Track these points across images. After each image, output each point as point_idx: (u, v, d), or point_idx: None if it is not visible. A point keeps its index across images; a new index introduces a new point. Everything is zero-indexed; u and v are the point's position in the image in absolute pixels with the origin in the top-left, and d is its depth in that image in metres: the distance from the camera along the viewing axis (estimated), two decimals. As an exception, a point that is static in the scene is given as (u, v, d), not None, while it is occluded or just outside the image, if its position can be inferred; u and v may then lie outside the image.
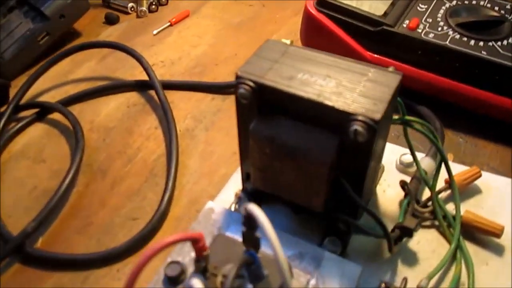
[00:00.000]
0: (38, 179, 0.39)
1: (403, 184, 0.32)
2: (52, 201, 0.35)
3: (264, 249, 0.23)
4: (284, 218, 0.31)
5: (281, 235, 0.21)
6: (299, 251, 0.26)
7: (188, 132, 0.42)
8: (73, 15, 0.53)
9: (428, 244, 0.30)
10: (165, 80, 0.47)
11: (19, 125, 0.43)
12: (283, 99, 0.25)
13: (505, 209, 0.32)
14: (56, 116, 0.44)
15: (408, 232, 0.28)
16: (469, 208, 0.31)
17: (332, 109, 0.24)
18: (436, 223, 0.31)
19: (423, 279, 0.27)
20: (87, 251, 0.33)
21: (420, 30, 0.40)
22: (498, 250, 0.30)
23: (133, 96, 0.47)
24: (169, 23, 0.56)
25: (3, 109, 0.44)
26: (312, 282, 0.25)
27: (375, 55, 0.41)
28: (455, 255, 0.29)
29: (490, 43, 0.39)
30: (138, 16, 0.59)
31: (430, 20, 0.41)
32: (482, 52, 0.38)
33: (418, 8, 0.42)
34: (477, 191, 0.33)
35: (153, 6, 0.59)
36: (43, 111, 0.45)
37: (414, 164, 0.34)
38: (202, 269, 0.23)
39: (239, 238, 0.26)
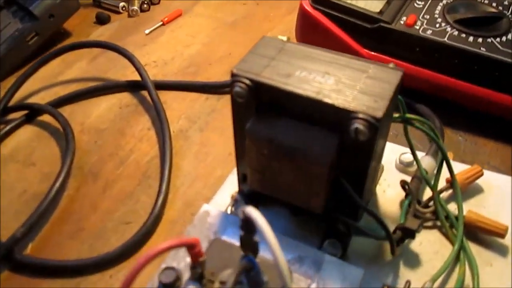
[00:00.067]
0: (27, 182, 0.38)
1: (403, 184, 0.31)
2: (42, 205, 0.34)
3: (263, 253, 0.22)
4: (282, 220, 0.30)
5: (279, 238, 0.20)
6: (298, 254, 0.26)
7: (182, 133, 0.41)
8: (62, 15, 0.52)
9: (430, 246, 0.29)
10: (157, 80, 0.46)
11: (8, 127, 0.42)
12: (280, 97, 0.24)
13: (507, 208, 0.31)
14: (46, 118, 0.43)
15: (410, 234, 0.27)
16: (471, 208, 0.31)
17: (331, 107, 0.23)
18: (438, 223, 0.30)
19: (427, 281, 0.26)
20: (79, 256, 0.32)
21: (417, 27, 0.39)
22: (502, 251, 0.29)
23: (125, 97, 0.46)
24: (161, 23, 0.55)
25: (-9, 111, 0.43)
26: (313, 286, 0.24)
27: (372, 53, 0.40)
28: (459, 256, 0.28)
29: (489, 40, 0.38)
30: (129, 16, 0.58)
31: (428, 17, 0.40)
32: (481, 48, 0.37)
33: (415, 4, 0.41)
34: (478, 190, 0.33)
35: (145, 5, 0.58)
36: (32, 113, 0.44)
37: (414, 163, 0.33)
38: (198, 276, 0.22)
39: (236, 242, 0.25)
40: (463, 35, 0.38)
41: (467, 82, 0.38)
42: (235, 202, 0.31)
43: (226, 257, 0.23)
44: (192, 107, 0.44)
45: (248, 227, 0.20)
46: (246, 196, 0.31)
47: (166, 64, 0.49)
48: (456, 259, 0.28)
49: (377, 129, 0.22)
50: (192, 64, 0.49)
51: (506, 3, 0.41)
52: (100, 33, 0.55)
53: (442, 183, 0.31)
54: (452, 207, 0.31)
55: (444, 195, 0.32)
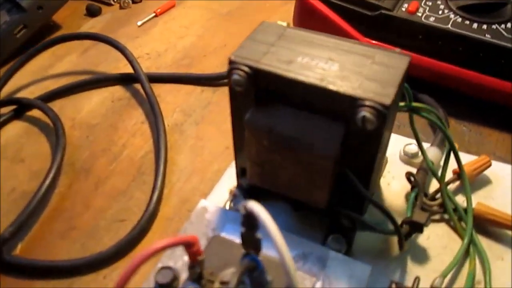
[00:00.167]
0: (16, 180, 0.36)
1: (409, 176, 0.30)
2: (32, 203, 0.32)
3: (265, 251, 0.21)
4: (283, 215, 0.28)
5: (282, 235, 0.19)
6: (302, 251, 0.24)
7: (177, 126, 0.40)
8: (51, 7, 0.50)
9: (438, 240, 0.28)
10: (151, 73, 0.44)
11: (-4, 123, 0.41)
12: (281, 85, 0.23)
13: (517, 199, 0.30)
14: (35, 113, 0.42)
15: (418, 227, 0.26)
16: (480, 200, 0.30)
17: (336, 94, 0.21)
18: (446, 216, 0.29)
19: (437, 278, 0.25)
20: (71, 256, 0.31)
21: (420, 14, 0.38)
22: (513, 244, 0.28)
23: (117, 90, 0.44)
24: (154, 14, 0.54)
25: (-23, 106, 0.41)
26: (318, 284, 0.23)
27: (373, 41, 0.39)
28: (468, 251, 0.27)
29: (494, 26, 0.37)
30: (121, 7, 0.56)
31: (430, 3, 0.39)
32: (486, 35, 0.36)
33: (417, -9, 0.40)
34: (486, 181, 0.31)
35: (137, -3, 0.56)
36: (21, 108, 0.42)
37: (419, 154, 0.32)
38: (196, 276, 0.21)
39: (236, 239, 0.24)
40: (467, 22, 0.37)
41: (471, 70, 0.37)
42: (234, 197, 0.30)
43: (226, 256, 0.22)
44: (187, 100, 0.42)
45: (250, 223, 0.19)
46: (245, 190, 0.29)
47: (160, 56, 0.48)
48: (465, 253, 0.27)
49: (386, 117, 0.21)
50: (187, 56, 0.48)
51: (510, -12, 0.40)
52: (91, 25, 0.54)
53: (448, 175, 0.30)
54: (460, 200, 0.30)
55: (450, 187, 0.31)
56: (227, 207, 0.30)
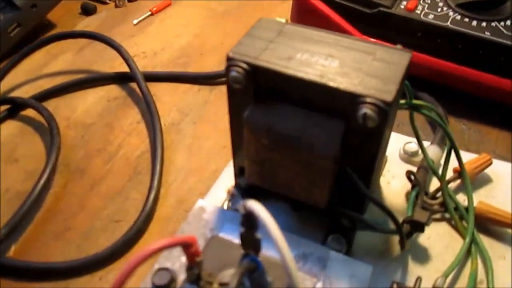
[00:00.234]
0: (10, 180, 0.36)
1: (409, 174, 0.29)
2: (26, 204, 0.32)
3: (265, 251, 0.20)
4: (282, 215, 0.28)
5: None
6: (302, 251, 0.24)
7: (173, 126, 0.39)
8: (46, 5, 0.49)
9: (439, 239, 0.28)
10: (147, 72, 0.44)
11: (-11, 123, 0.40)
12: (280, 82, 0.22)
13: (517, 198, 0.30)
14: (29, 112, 0.41)
15: (419, 227, 0.26)
16: (480, 198, 0.29)
17: (337, 91, 0.21)
18: (447, 215, 0.29)
19: (439, 278, 0.25)
20: (66, 258, 0.30)
21: (419, 11, 0.37)
22: (515, 243, 0.28)
23: (113, 89, 0.44)
24: (150, 13, 0.53)
25: (-30, 106, 0.40)
26: (319, 285, 0.22)
27: (372, 39, 0.39)
28: (470, 250, 0.27)
29: (493, 24, 0.36)
30: (116, 6, 0.55)
31: (429, 1, 0.38)
32: (486, 32, 0.36)
33: (415, -12, 0.40)
34: (487, 180, 0.31)
35: (133, -5, 0.56)
36: (15, 107, 0.42)
37: (419, 153, 0.32)
38: (195, 278, 0.20)
39: (234, 239, 0.23)
40: (466, 20, 0.37)
41: (470, 67, 0.36)
42: (232, 197, 0.29)
43: (225, 256, 0.22)
44: (184, 99, 0.42)
45: (249, 223, 0.18)
46: (243, 190, 0.29)
47: (156, 55, 0.47)
48: (467, 253, 0.26)
49: (387, 114, 0.20)
50: (183, 55, 0.47)
51: (508, -14, 0.39)
52: (86, 24, 0.53)
53: (448, 174, 0.30)
54: (460, 199, 0.30)
55: (451, 186, 0.30)
56: (225, 207, 0.29)
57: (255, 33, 0.24)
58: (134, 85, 0.43)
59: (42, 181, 0.33)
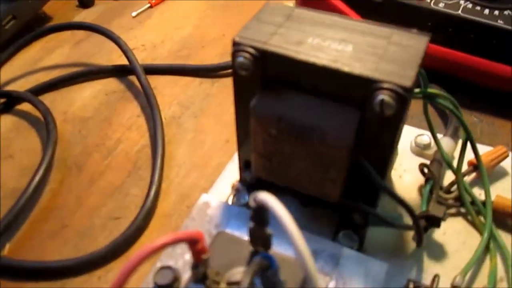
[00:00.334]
0: (5, 177, 0.34)
1: (423, 167, 0.28)
2: (21, 201, 0.30)
3: (275, 248, 0.19)
4: (290, 211, 0.27)
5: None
6: (313, 248, 0.22)
7: (174, 119, 0.38)
8: (42, -3, 0.48)
9: (456, 235, 0.27)
10: (147, 64, 0.42)
11: (-17, 117, 0.39)
12: (291, 68, 0.21)
13: (535, 192, 0.29)
14: (25, 106, 0.40)
15: (435, 222, 0.25)
16: (497, 192, 0.28)
17: (352, 76, 0.20)
18: (462, 210, 0.27)
19: (457, 275, 0.23)
20: (63, 257, 0.29)
21: (429, 0, 0.36)
22: (534, 238, 0.26)
23: (111, 83, 0.42)
24: (149, 5, 0.52)
25: (-37, 100, 0.39)
26: (332, 284, 0.21)
27: (380, 29, 0.37)
28: (488, 246, 0.25)
29: (506, 12, 0.35)
30: (114, -2, 0.54)
31: (439, -11, 0.37)
32: (499, 21, 0.34)
33: (424, -24, 0.38)
34: (503, 173, 0.30)
35: (131, -13, 0.54)
36: (10, 101, 0.40)
37: (432, 145, 0.30)
38: (201, 277, 0.19)
39: (241, 235, 0.22)
40: (478, 8, 0.35)
41: (483, 58, 0.35)
42: (237, 192, 0.28)
43: (233, 254, 0.20)
44: (185, 92, 0.40)
45: (260, 218, 0.17)
46: (248, 185, 0.28)
47: (156, 48, 0.46)
48: (485, 249, 0.25)
49: (407, 101, 0.19)
50: (184, 47, 0.46)
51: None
52: (84, 17, 0.51)
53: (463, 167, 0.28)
54: (476, 193, 0.28)
55: (465, 179, 0.29)
56: (230, 202, 0.28)
57: (263, 17, 0.23)
58: (133, 78, 0.41)
59: (37, 178, 0.32)
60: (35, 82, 0.42)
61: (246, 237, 0.21)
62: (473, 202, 0.27)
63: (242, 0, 0.51)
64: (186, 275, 0.21)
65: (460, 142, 0.31)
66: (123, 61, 0.42)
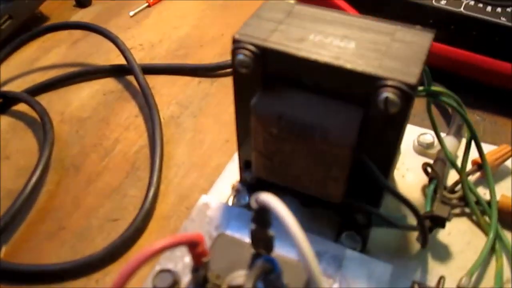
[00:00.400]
0: (1, 178, 0.34)
1: (426, 166, 0.28)
2: (17, 202, 0.30)
3: (277, 250, 0.19)
4: (292, 212, 0.26)
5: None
6: (316, 250, 0.22)
7: (173, 119, 0.38)
8: (38, -4, 0.48)
9: (460, 235, 0.26)
10: (145, 64, 0.42)
11: (-22, 118, 0.38)
12: (292, 65, 0.20)
13: (540, 191, 0.28)
14: (21, 107, 0.39)
15: (440, 222, 0.24)
16: (502, 192, 0.27)
17: (355, 74, 0.19)
18: (467, 210, 0.27)
19: (463, 277, 0.23)
20: (60, 260, 0.28)
21: (430, -3, 0.36)
22: (540, 239, 0.26)
23: (109, 83, 0.42)
24: (146, 4, 0.51)
25: (-41, 100, 0.38)
26: (335, 286, 0.21)
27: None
28: (494, 247, 0.25)
29: (509, 9, 0.35)
30: (112, -2, 0.53)
31: (440, -14, 0.36)
32: (501, 18, 0.34)
33: (426, -27, 0.38)
34: (507, 172, 0.29)
35: (129, -13, 0.54)
36: (6, 102, 0.40)
37: (435, 144, 0.30)
38: (201, 280, 0.18)
39: (242, 237, 0.21)
40: (480, 5, 0.35)
41: (485, 55, 0.35)
42: (237, 193, 0.28)
43: (234, 256, 0.20)
44: (184, 92, 0.40)
45: (262, 219, 0.16)
46: (249, 185, 0.27)
47: (154, 47, 0.45)
48: (491, 249, 0.25)
49: (411, 99, 0.19)
50: (182, 47, 0.45)
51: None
52: (81, 17, 0.51)
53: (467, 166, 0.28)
54: (480, 192, 0.28)
55: (469, 179, 0.28)
56: (230, 204, 0.27)
57: (263, 14, 0.22)
58: (131, 78, 0.41)
59: (34, 179, 0.31)
60: (31, 82, 0.41)
61: (247, 239, 0.21)
62: (478, 201, 0.27)
63: (241, 0, 0.51)
64: (186, 278, 0.20)
65: (463, 141, 0.30)
66: (121, 60, 0.41)
